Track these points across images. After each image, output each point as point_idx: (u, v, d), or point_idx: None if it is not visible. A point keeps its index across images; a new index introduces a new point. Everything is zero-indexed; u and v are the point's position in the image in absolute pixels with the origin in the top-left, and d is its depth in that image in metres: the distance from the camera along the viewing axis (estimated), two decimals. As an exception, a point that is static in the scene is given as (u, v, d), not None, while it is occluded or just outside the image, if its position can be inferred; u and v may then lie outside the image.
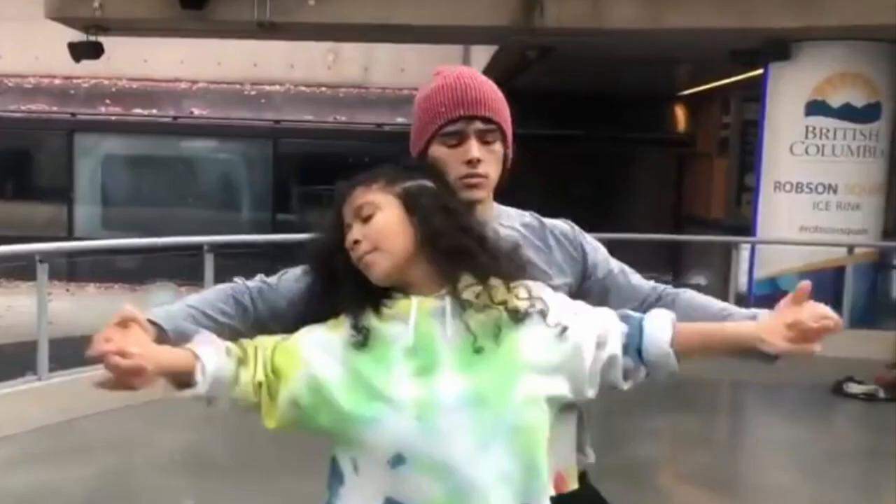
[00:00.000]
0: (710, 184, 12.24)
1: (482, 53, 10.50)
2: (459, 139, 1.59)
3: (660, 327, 1.45)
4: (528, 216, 1.73)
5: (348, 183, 1.50)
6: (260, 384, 1.39)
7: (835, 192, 7.78)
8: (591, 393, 1.44)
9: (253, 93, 12.73)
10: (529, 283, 1.46)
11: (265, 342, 1.43)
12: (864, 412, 6.01)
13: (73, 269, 10.83)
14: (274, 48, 11.64)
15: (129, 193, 12.51)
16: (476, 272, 1.41)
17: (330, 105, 12.44)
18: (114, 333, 1.32)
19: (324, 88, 12.78)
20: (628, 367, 1.44)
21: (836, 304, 6.43)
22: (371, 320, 1.41)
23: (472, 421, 1.36)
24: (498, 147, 1.62)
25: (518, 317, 1.40)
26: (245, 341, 1.43)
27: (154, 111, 12.23)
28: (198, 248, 6.26)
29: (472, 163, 1.58)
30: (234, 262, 7.88)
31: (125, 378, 1.30)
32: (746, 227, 8.61)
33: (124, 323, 1.35)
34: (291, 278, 1.63)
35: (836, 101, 7.85)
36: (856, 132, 7.81)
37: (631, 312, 1.49)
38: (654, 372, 1.45)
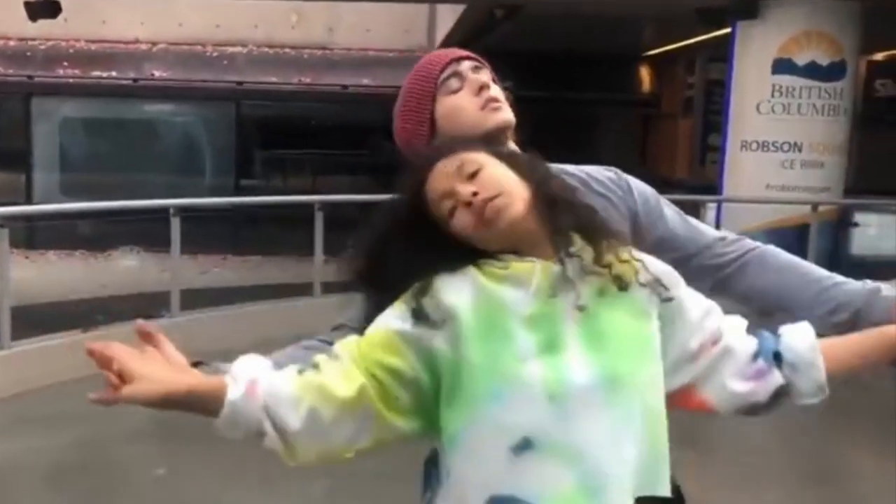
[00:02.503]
0: (675, 144, 12.31)
1: (449, 13, 10.40)
2: (459, 81, 1.57)
3: (801, 330, 1.34)
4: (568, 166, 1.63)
5: (420, 165, 1.34)
6: (362, 389, 1.20)
7: (800, 150, 7.84)
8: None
9: (215, 54, 12.49)
10: (634, 250, 1.32)
11: (345, 344, 1.24)
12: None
13: (32, 237, 10.64)
14: (236, 8, 11.42)
15: (88, 158, 12.25)
16: (590, 235, 1.28)
17: (294, 66, 12.22)
18: (122, 353, 1.14)
19: (287, 49, 12.57)
20: (760, 372, 1.31)
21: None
22: (482, 280, 1.25)
23: (606, 402, 1.22)
24: (486, 77, 1.59)
25: (624, 285, 1.27)
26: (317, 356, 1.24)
27: (113, 73, 11.95)
28: (161, 212, 6.16)
29: (483, 89, 1.55)
30: (200, 227, 7.85)
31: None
32: (710, 187, 8.67)
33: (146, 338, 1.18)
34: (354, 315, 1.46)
35: (801, 60, 7.87)
36: (820, 90, 7.85)
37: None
38: (796, 381, 1.31)
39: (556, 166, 1.52)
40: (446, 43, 11.37)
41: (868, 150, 9.47)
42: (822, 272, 1.56)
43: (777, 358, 1.31)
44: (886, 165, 8.55)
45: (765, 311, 1.57)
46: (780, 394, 1.32)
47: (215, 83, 11.87)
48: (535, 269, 1.25)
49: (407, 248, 1.28)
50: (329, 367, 1.22)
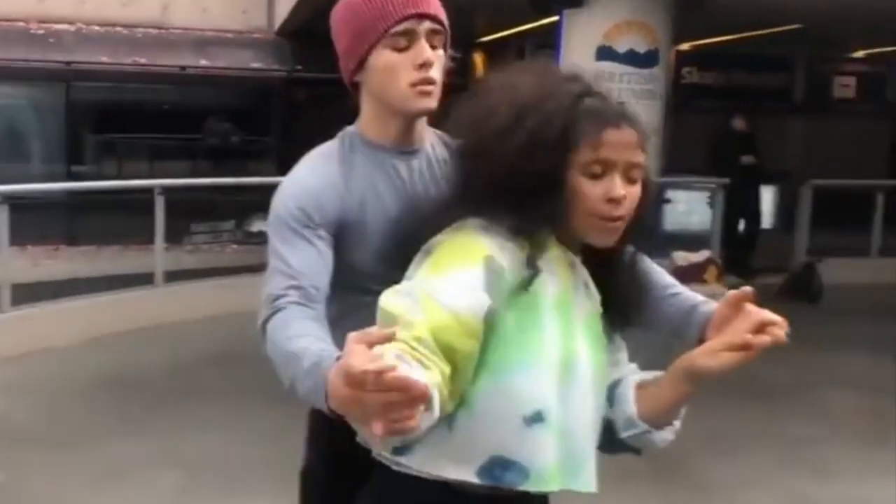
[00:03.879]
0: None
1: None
2: (409, 41, 1.47)
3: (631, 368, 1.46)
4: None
5: (621, 111, 1.33)
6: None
7: (621, 133, 8.40)
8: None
9: (40, 31, 11.88)
10: None
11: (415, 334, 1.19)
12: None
13: None
14: (60, -17, 10.93)
15: None
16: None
17: (127, 46, 11.76)
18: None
19: (119, 28, 12.11)
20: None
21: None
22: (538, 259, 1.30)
23: (593, 391, 1.35)
24: (441, 53, 1.52)
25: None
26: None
27: (-73, 52, 11.23)
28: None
29: (425, 66, 1.46)
30: (30, 216, 7.56)
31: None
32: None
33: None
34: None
35: (621, 47, 8.39)
36: (638, 76, 8.41)
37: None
38: (613, 415, 1.43)
39: (447, 137, 1.60)
40: (286, 25, 11.32)
41: (677, 133, 10.22)
42: (667, 280, 1.57)
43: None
44: (692, 147, 9.27)
45: None
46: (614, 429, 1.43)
47: (42, 63, 11.29)
48: (564, 259, 1.35)
49: (526, 167, 1.28)
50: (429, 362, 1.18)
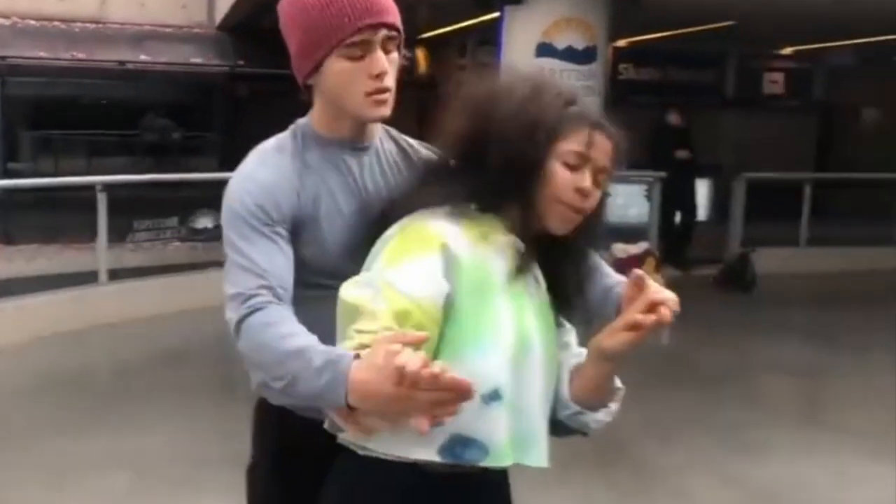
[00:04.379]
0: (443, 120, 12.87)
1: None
2: (364, 50, 1.47)
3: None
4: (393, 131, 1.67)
5: (605, 122, 1.44)
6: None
7: (561, 128, 8.54)
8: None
9: (-28, 25, 11.61)
10: None
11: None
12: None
13: None
14: (-7, -23, 10.67)
15: None
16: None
17: (64, 41, 11.48)
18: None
19: (56, 22, 11.83)
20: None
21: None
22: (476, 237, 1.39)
23: (543, 370, 1.41)
24: (396, 56, 1.52)
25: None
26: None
27: None
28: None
29: (380, 76, 1.48)
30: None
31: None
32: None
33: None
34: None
35: (561, 44, 8.53)
36: (577, 73, 8.55)
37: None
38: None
39: (393, 131, 1.65)
40: (227, 20, 11.21)
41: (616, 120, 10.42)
42: (602, 270, 1.63)
43: None
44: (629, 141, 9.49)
45: None
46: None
47: (-26, 58, 11.05)
48: (515, 250, 1.42)
49: (508, 153, 1.39)
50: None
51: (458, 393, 1.12)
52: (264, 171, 1.50)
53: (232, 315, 1.40)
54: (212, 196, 8.48)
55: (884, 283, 8.45)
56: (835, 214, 10.37)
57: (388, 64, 1.49)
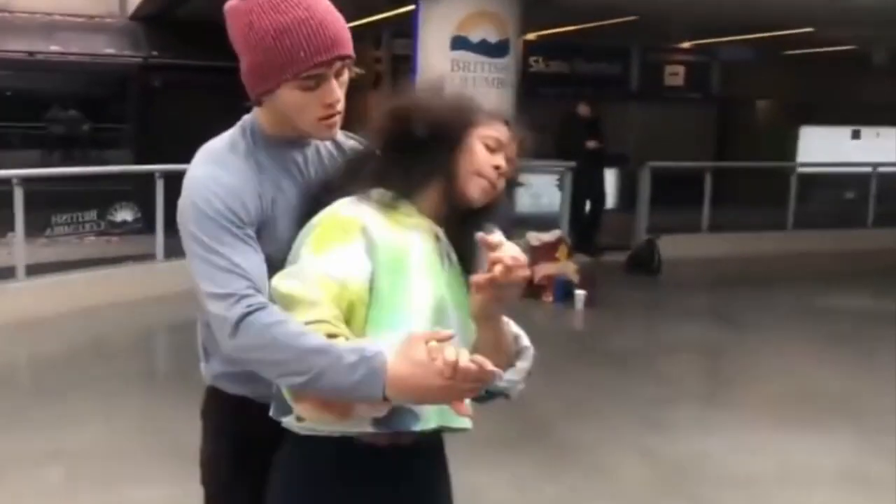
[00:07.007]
0: (368, 117, 12.95)
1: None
2: (318, 82, 1.51)
3: None
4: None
5: (513, 121, 1.66)
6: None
7: (476, 120, 8.75)
8: None
9: None
10: None
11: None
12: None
13: None
14: None
15: None
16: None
17: (-31, 30, 11.19)
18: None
19: (-40, 11, 11.47)
20: None
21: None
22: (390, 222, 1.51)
23: (460, 336, 1.48)
24: (346, 77, 1.57)
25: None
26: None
27: None
28: None
29: (332, 105, 1.54)
30: None
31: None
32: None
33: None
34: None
35: (475, 37, 8.70)
36: (491, 66, 8.76)
37: None
38: None
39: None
40: (140, 10, 11.02)
41: (524, 120, 10.69)
42: None
43: None
44: (540, 132, 9.78)
45: None
46: None
47: None
48: (430, 230, 1.55)
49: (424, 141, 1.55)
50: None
51: (490, 379, 1.30)
52: (227, 174, 1.54)
53: (226, 314, 1.43)
54: (130, 189, 8.39)
55: (778, 266, 9.02)
56: (733, 202, 10.90)
57: (339, 90, 1.55)
